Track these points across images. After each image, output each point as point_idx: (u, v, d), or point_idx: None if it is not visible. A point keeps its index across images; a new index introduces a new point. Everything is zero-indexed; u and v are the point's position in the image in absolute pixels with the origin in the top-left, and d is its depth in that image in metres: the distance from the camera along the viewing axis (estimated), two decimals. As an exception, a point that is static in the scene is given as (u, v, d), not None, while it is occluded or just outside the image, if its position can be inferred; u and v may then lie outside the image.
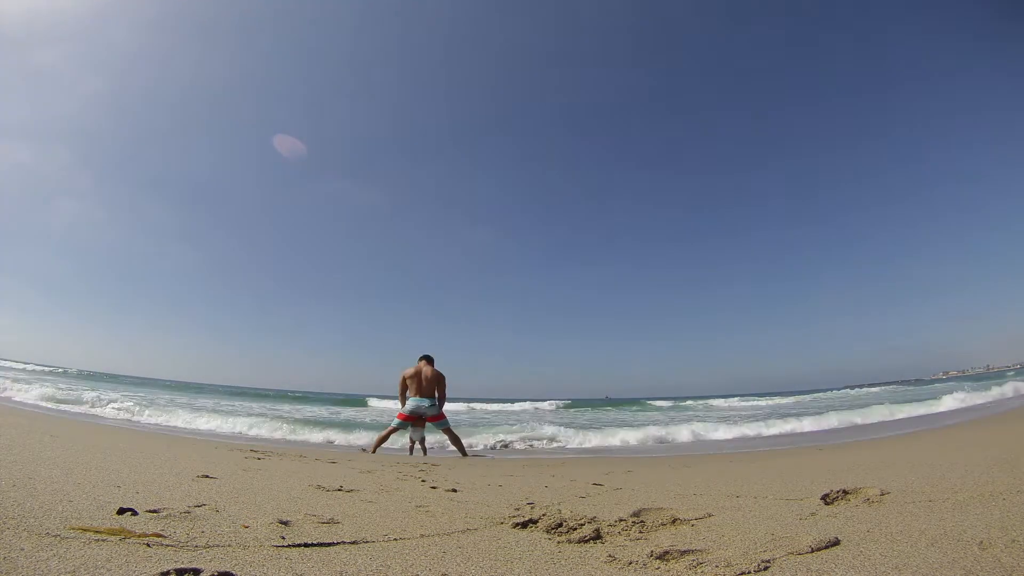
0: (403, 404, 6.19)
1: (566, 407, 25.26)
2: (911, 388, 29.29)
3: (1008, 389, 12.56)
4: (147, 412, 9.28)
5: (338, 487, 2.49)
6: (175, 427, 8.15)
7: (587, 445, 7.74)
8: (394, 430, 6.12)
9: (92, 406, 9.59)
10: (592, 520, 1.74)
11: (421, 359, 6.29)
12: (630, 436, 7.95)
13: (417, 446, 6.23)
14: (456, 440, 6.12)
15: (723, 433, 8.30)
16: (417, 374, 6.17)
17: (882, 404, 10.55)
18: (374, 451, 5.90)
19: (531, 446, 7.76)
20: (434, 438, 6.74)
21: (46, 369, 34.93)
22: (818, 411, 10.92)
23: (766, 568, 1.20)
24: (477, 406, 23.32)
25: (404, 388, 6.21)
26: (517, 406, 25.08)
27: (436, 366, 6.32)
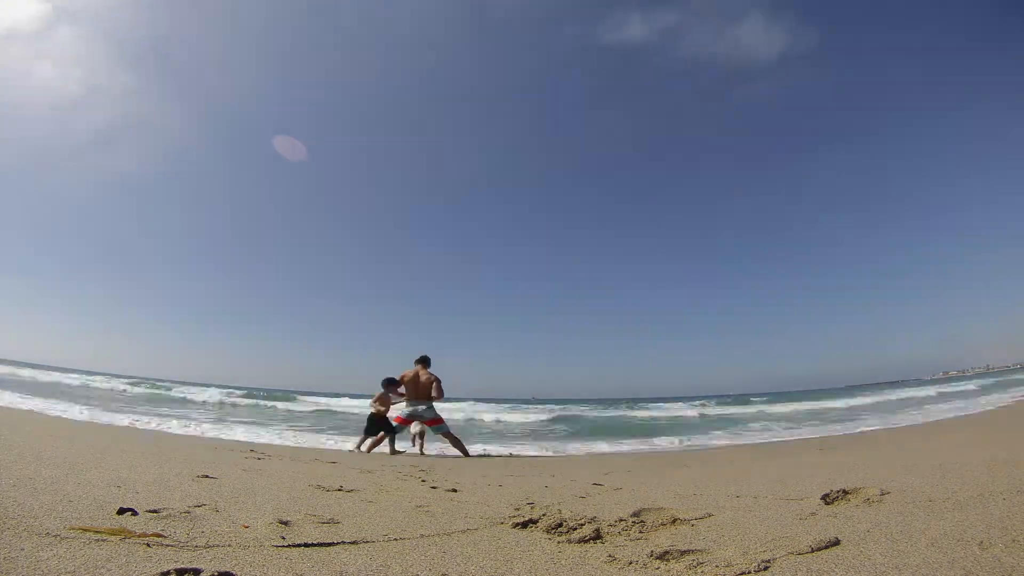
0: (397, 407, 6.28)
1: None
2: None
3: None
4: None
5: (338, 487, 2.49)
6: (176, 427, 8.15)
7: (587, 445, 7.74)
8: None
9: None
10: (592, 520, 1.74)
11: (417, 362, 6.31)
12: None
13: (418, 440, 6.34)
14: (456, 442, 6.12)
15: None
16: (413, 378, 6.18)
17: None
18: (368, 451, 5.93)
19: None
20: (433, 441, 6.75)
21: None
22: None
23: (766, 568, 1.20)
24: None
25: (400, 392, 6.28)
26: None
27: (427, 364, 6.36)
